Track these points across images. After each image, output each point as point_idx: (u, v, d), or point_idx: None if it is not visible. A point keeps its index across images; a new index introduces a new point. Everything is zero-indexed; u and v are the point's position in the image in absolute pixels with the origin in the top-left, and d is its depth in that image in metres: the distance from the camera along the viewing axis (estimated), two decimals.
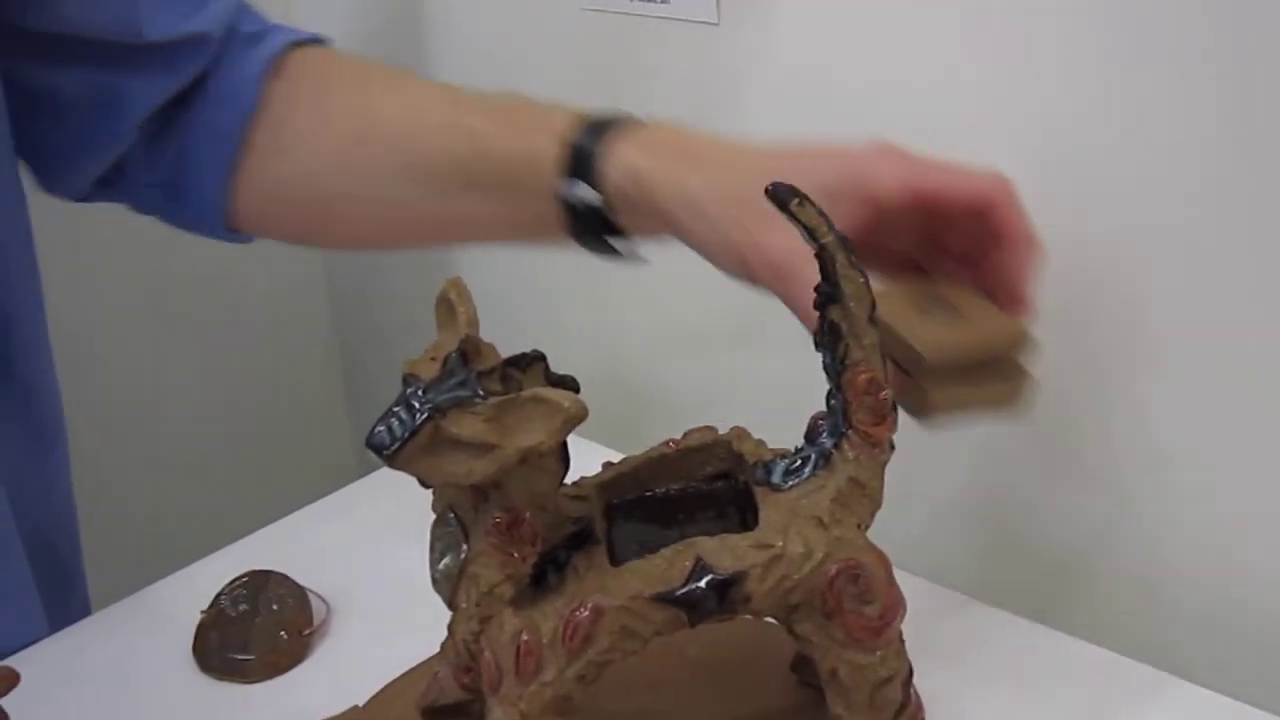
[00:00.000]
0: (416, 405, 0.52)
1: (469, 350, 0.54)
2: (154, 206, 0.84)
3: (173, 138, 0.80)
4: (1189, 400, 0.77)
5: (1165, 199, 0.74)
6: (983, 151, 0.67)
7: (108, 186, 0.82)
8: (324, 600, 0.79)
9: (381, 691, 0.72)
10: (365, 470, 0.93)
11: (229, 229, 0.83)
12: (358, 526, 0.88)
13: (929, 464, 0.82)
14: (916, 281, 0.68)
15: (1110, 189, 0.76)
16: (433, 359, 0.54)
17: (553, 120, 0.71)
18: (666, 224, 0.67)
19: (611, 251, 0.72)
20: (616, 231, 0.71)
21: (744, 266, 0.65)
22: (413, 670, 0.73)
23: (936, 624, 0.75)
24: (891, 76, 0.85)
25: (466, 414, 0.52)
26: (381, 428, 0.53)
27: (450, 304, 0.56)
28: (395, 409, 0.53)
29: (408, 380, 0.54)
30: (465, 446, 0.52)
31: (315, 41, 0.83)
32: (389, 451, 0.52)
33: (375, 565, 0.81)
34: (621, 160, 0.68)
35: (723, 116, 0.96)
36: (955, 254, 0.68)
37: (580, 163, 0.69)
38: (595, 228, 0.71)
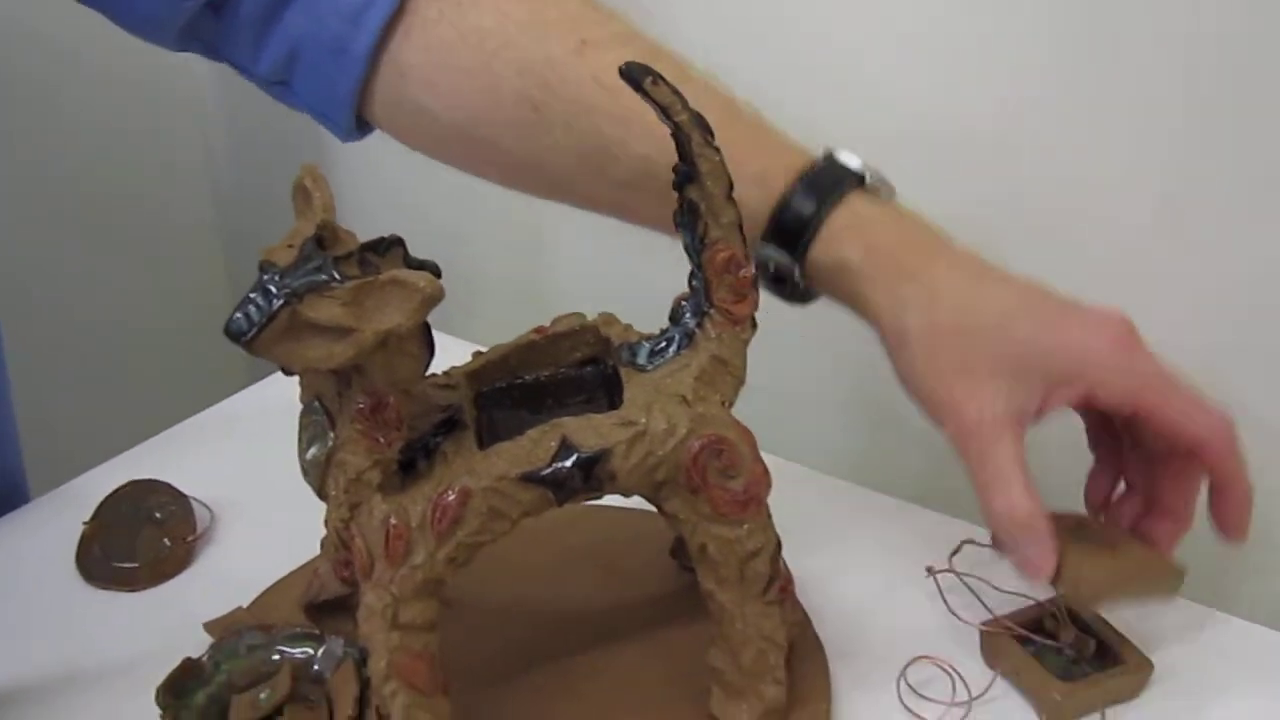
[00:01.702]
0: (273, 290, 0.52)
1: (326, 236, 0.54)
2: (269, 91, 0.76)
3: (282, 39, 0.72)
4: None
5: None
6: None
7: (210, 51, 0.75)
8: (208, 507, 0.79)
9: (265, 592, 0.72)
10: (255, 378, 0.93)
11: (360, 128, 0.75)
12: (243, 434, 0.88)
13: (805, 349, 0.83)
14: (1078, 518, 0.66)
15: None
16: (290, 246, 0.54)
17: (769, 165, 0.65)
18: (866, 322, 0.64)
19: (785, 295, 0.67)
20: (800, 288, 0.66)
21: (935, 415, 0.62)
22: (296, 570, 0.73)
23: (814, 506, 0.76)
24: None
25: (323, 298, 0.52)
26: (239, 314, 0.52)
27: (306, 191, 0.56)
28: (252, 295, 0.52)
29: (264, 267, 0.53)
30: (323, 331, 0.52)
31: None
32: (247, 338, 0.52)
33: (260, 472, 0.80)
34: (835, 249, 0.63)
35: None
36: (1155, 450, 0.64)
37: (788, 231, 0.64)
38: (775, 277, 0.66)
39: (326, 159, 1.12)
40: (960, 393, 0.60)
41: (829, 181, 0.64)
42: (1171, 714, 0.64)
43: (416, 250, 0.56)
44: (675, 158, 0.57)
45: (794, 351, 0.85)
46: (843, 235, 0.63)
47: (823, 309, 0.68)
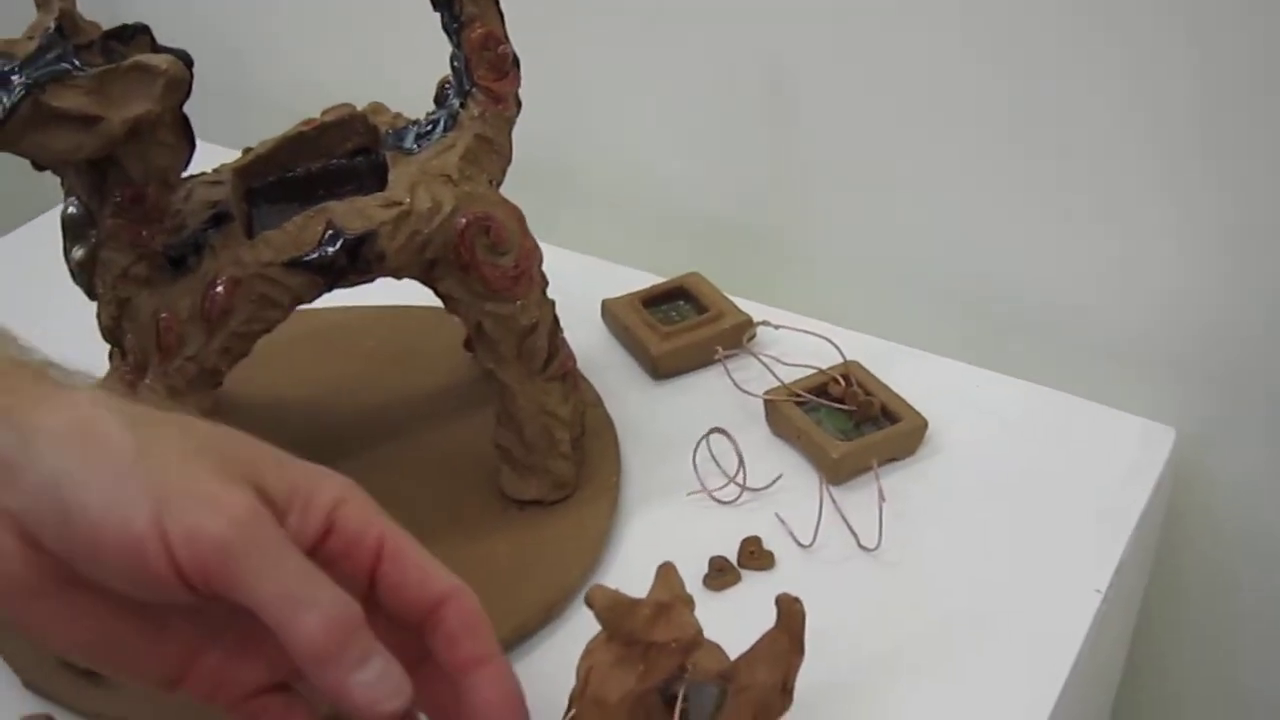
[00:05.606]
0: (14, 81, 0.51)
1: (66, 25, 0.53)
2: None
3: None
4: None
5: None
6: None
7: None
8: None
9: None
10: (40, 212, 0.90)
11: None
12: (24, 270, 0.86)
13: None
14: None
15: None
16: (30, 38, 0.53)
17: None
18: None
19: None
20: None
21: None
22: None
23: (606, 293, 0.77)
24: None
25: (66, 87, 0.51)
26: None
27: None
28: None
29: (2, 59, 0.52)
30: (70, 120, 0.51)
31: None
32: None
33: (40, 306, 0.80)
34: None
35: None
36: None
37: None
38: None
39: None
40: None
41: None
42: (942, 467, 0.68)
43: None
44: None
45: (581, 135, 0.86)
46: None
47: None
